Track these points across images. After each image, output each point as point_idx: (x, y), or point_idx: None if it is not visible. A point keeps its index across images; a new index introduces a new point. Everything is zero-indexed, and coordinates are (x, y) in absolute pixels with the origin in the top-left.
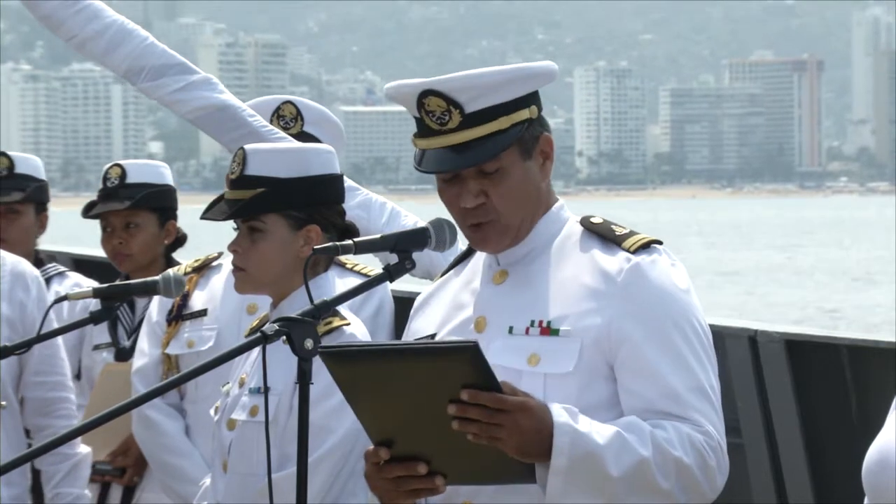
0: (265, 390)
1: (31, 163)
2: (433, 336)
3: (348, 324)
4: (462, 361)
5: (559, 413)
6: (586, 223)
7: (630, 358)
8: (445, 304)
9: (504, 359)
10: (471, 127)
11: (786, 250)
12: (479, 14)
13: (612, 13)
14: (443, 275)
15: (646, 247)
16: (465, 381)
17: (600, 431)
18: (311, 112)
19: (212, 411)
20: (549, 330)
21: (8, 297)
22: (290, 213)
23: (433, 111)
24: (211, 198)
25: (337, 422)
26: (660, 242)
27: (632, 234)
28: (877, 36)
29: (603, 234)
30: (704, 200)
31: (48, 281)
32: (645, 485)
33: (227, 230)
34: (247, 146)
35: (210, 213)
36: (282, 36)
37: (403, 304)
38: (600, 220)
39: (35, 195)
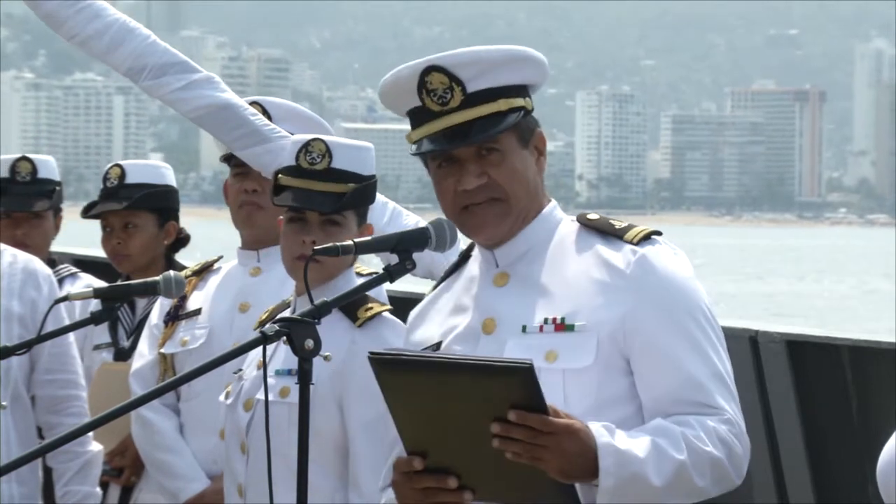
0: (265, 390)
1: (49, 165)
2: (439, 345)
3: (390, 309)
4: (515, 381)
5: (601, 433)
6: (583, 220)
7: (647, 349)
8: (446, 312)
9: (520, 357)
10: (471, 107)
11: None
12: (482, 37)
13: (614, 38)
14: (434, 288)
15: (647, 238)
16: (514, 401)
17: (638, 444)
18: (278, 109)
19: (221, 397)
20: (563, 326)
21: (20, 295)
22: (361, 209)
23: (435, 89)
24: (211, 211)
25: None
26: (659, 233)
27: (631, 226)
28: (879, 68)
29: (602, 229)
30: (703, 227)
31: (60, 282)
32: (684, 486)
33: (221, 238)
34: (325, 138)
35: (290, 200)
36: (284, 51)
37: (402, 305)
38: (597, 216)
39: (57, 200)
